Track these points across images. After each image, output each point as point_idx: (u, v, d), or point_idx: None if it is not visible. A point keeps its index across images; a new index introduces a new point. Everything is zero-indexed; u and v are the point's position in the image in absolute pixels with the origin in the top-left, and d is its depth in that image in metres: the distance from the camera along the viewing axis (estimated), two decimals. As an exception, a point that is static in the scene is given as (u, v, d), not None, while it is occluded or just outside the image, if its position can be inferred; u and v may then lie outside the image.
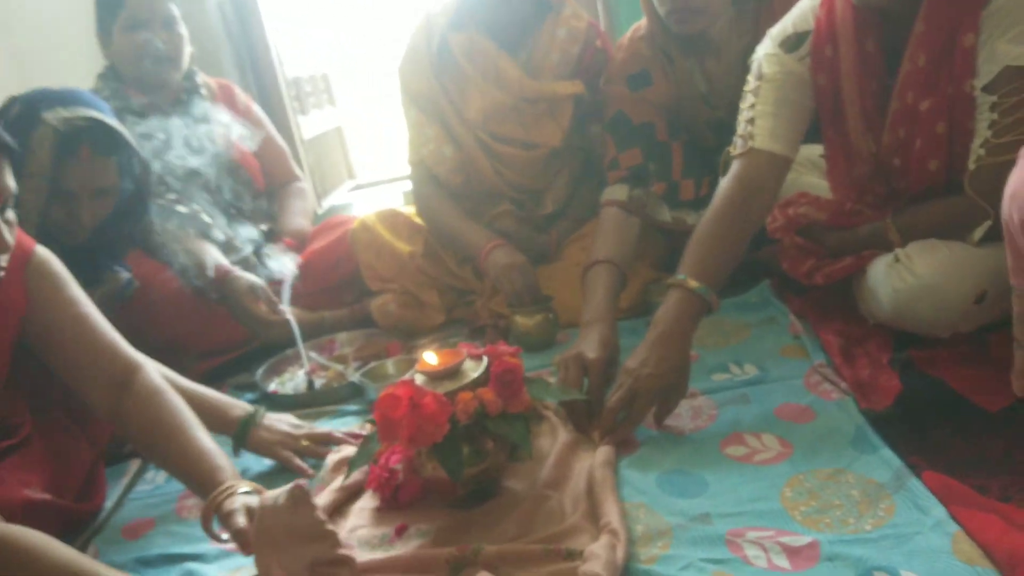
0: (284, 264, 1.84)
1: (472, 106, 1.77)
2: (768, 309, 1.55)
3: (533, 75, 1.76)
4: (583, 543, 0.94)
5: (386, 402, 1.07)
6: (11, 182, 1.06)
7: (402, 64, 1.86)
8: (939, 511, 0.89)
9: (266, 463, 1.33)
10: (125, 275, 1.59)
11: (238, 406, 1.32)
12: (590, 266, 1.49)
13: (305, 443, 1.31)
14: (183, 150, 1.84)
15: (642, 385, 1.16)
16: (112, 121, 1.43)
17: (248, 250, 1.87)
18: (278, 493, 0.92)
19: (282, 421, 1.34)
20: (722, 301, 1.59)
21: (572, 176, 1.89)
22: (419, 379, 1.10)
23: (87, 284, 1.45)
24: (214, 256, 1.77)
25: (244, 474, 1.24)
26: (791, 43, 1.31)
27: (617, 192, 1.63)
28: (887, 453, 1.02)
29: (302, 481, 0.95)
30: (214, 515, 1.00)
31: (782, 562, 0.87)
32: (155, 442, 1.10)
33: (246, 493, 1.00)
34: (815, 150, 1.54)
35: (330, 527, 0.92)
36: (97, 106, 1.44)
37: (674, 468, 1.10)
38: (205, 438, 1.09)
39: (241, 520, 0.95)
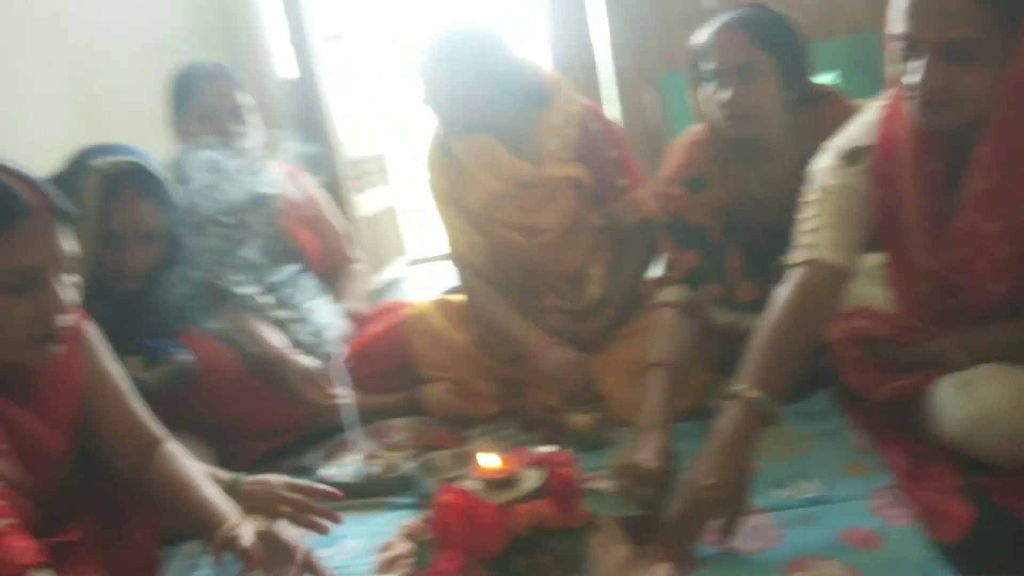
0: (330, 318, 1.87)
1: (471, 197, 1.84)
2: (830, 420, 1.51)
3: (535, 164, 1.81)
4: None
5: (442, 510, 1.07)
6: (72, 246, 1.11)
7: (427, 171, 1.95)
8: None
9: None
10: (187, 356, 1.63)
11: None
12: (646, 369, 1.49)
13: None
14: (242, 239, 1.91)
15: (701, 496, 1.13)
16: (154, 167, 1.53)
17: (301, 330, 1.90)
18: None
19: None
20: (783, 408, 1.59)
21: (608, 260, 1.90)
22: (474, 486, 1.10)
23: (148, 364, 1.51)
24: (270, 338, 1.80)
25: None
26: (851, 157, 1.32)
27: (673, 293, 1.63)
28: (959, 589, 0.98)
29: None
30: (223, 548, 1.10)
31: None
32: (172, 495, 1.22)
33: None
34: (873, 259, 1.53)
35: None
36: (140, 154, 1.54)
37: (734, 592, 1.07)
38: (216, 491, 1.22)
39: (247, 540, 1.09)
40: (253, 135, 2.00)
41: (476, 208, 1.85)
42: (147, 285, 1.59)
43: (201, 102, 1.92)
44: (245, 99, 1.99)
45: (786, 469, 1.37)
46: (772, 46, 1.51)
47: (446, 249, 1.99)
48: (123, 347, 1.55)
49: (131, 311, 1.61)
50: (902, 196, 1.26)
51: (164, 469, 1.24)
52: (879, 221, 1.31)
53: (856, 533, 1.14)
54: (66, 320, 1.11)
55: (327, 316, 1.94)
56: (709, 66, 1.55)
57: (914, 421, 1.34)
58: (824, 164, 1.35)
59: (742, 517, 1.15)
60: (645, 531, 1.20)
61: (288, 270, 1.93)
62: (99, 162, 1.47)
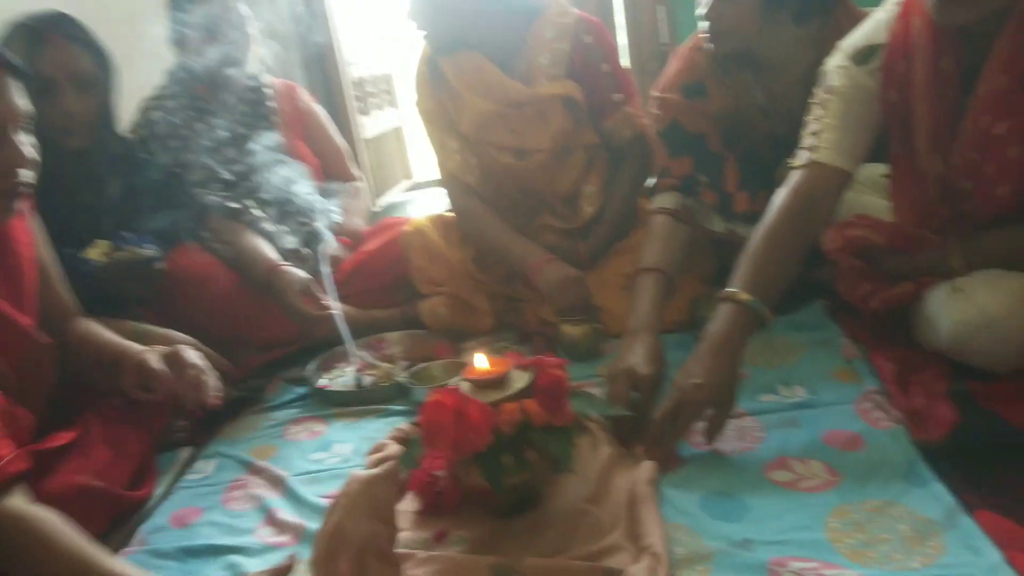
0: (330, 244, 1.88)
1: (463, 119, 1.80)
2: (822, 330, 1.51)
3: (526, 81, 1.76)
4: (622, 562, 0.94)
5: (432, 408, 1.08)
6: (22, 102, 1.13)
7: (415, 89, 1.91)
8: (993, 555, 0.85)
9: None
10: (153, 253, 1.63)
11: None
12: (637, 274, 1.48)
13: None
14: (237, 149, 1.89)
15: (689, 397, 1.14)
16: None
17: (297, 243, 1.91)
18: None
19: None
20: (775, 319, 1.58)
21: (602, 178, 1.87)
22: (465, 386, 1.11)
23: (113, 250, 1.53)
24: (263, 250, 1.81)
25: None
26: (862, 55, 1.28)
27: (667, 200, 1.61)
28: (939, 488, 0.99)
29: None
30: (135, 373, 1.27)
31: (823, 595, 0.85)
32: (89, 350, 1.35)
33: None
34: (877, 169, 1.50)
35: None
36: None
37: (717, 490, 1.08)
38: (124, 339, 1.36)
39: (154, 362, 1.29)
40: (250, 47, 1.95)
41: (468, 130, 1.81)
42: (95, 143, 1.62)
43: (198, 12, 1.86)
44: (243, 9, 1.93)
45: (775, 375, 1.38)
46: None
47: (437, 172, 1.96)
48: (98, 230, 1.60)
49: (103, 192, 1.66)
50: (913, 96, 1.23)
51: (80, 330, 1.38)
52: (888, 123, 1.28)
53: (839, 435, 1.15)
54: (28, 176, 1.12)
55: (323, 227, 1.94)
56: None
57: (905, 330, 1.34)
58: (834, 64, 1.31)
59: (728, 418, 1.16)
60: (632, 432, 1.22)
61: (285, 179, 1.91)
62: (20, 17, 1.52)
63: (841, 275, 1.38)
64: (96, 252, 1.56)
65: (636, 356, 1.29)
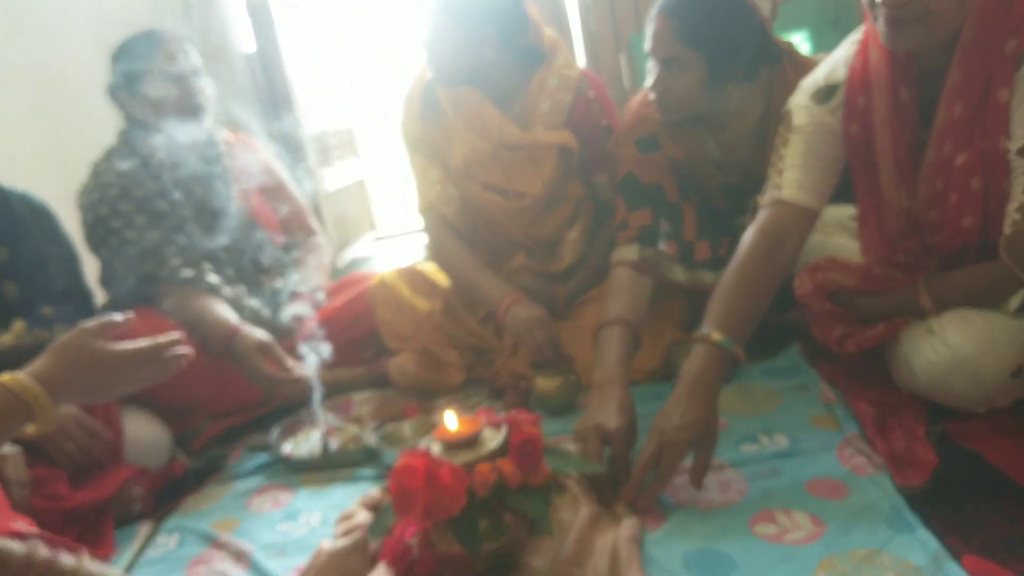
0: (300, 312, 1.83)
1: (455, 153, 1.78)
2: (798, 375, 1.50)
3: (524, 125, 1.76)
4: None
5: (402, 472, 1.04)
6: None
7: (401, 114, 1.88)
8: (984, 602, 0.83)
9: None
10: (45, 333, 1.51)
11: None
12: (601, 327, 1.46)
13: None
14: (192, 210, 1.84)
15: (670, 438, 1.13)
16: None
17: (257, 305, 1.86)
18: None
19: None
20: (751, 366, 1.58)
21: (586, 228, 1.87)
22: (436, 448, 1.07)
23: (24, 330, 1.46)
24: (222, 315, 1.73)
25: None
26: (823, 95, 1.30)
27: (628, 252, 1.60)
28: (924, 534, 0.97)
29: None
30: None
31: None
32: None
33: None
34: (846, 211, 1.51)
35: None
36: None
37: (701, 546, 1.05)
38: None
39: None
40: (206, 101, 1.89)
41: (457, 164, 1.79)
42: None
43: (152, 69, 1.79)
44: (194, 59, 1.87)
45: (754, 424, 1.36)
46: (701, 43, 1.45)
47: (416, 199, 1.91)
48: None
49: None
50: (875, 129, 1.24)
51: None
52: (851, 158, 1.30)
53: (823, 483, 1.13)
54: None
55: (286, 289, 1.90)
56: (646, 45, 1.52)
57: (881, 372, 1.34)
58: (796, 102, 1.32)
59: (710, 457, 1.15)
60: (610, 489, 1.18)
61: (243, 243, 1.87)
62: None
63: (814, 319, 1.37)
64: (7, 336, 1.47)
65: (605, 410, 1.26)
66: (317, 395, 1.59)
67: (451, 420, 1.09)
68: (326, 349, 1.65)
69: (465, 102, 1.76)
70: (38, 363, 1.02)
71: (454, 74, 1.74)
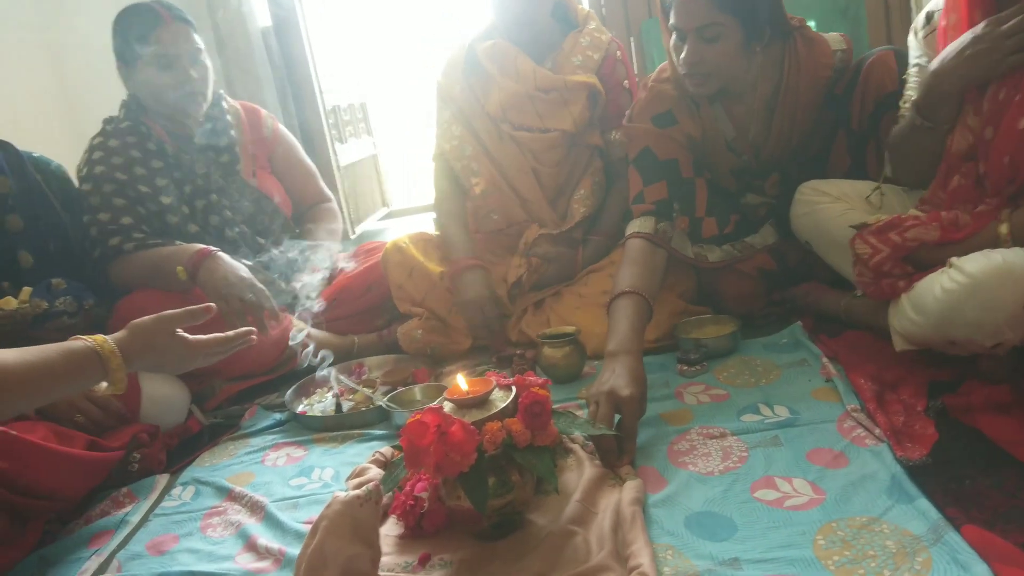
0: (313, 281, 1.85)
1: (492, 100, 1.90)
2: (799, 351, 1.53)
3: (555, 72, 1.88)
4: (609, 583, 0.92)
5: (414, 429, 1.07)
6: None
7: (442, 71, 2.01)
8: (981, 568, 0.85)
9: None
10: (67, 307, 1.57)
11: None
12: (616, 297, 1.48)
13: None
14: (192, 187, 1.86)
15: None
16: None
17: (269, 275, 1.88)
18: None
19: None
20: (753, 341, 1.60)
21: (595, 184, 1.95)
22: (447, 407, 1.09)
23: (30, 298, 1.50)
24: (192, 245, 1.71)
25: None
26: (923, 22, 1.36)
27: (643, 225, 1.63)
28: (924, 504, 0.99)
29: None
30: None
31: (813, 612, 0.85)
32: None
33: None
34: (865, 186, 1.53)
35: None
36: None
37: (702, 509, 1.08)
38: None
39: None
40: (208, 79, 1.87)
41: (494, 110, 1.90)
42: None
43: (158, 49, 1.77)
44: (199, 42, 1.84)
45: (756, 396, 1.38)
46: (732, 6, 1.47)
47: (431, 195, 2.04)
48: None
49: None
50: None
51: None
52: None
53: (823, 453, 1.15)
54: None
55: (295, 259, 1.92)
56: (673, 21, 1.53)
57: (882, 349, 1.36)
58: (908, 41, 1.40)
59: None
60: (615, 453, 1.21)
61: (251, 215, 1.89)
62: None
63: (877, 282, 1.32)
64: (10, 302, 1.50)
65: (618, 378, 1.29)
66: (329, 358, 1.62)
67: (462, 382, 1.12)
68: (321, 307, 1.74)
69: (500, 53, 1.89)
70: (119, 334, 1.16)
71: (514, 28, 1.88)
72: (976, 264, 1.13)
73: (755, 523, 1.03)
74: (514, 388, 1.12)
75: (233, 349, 1.27)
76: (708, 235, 1.70)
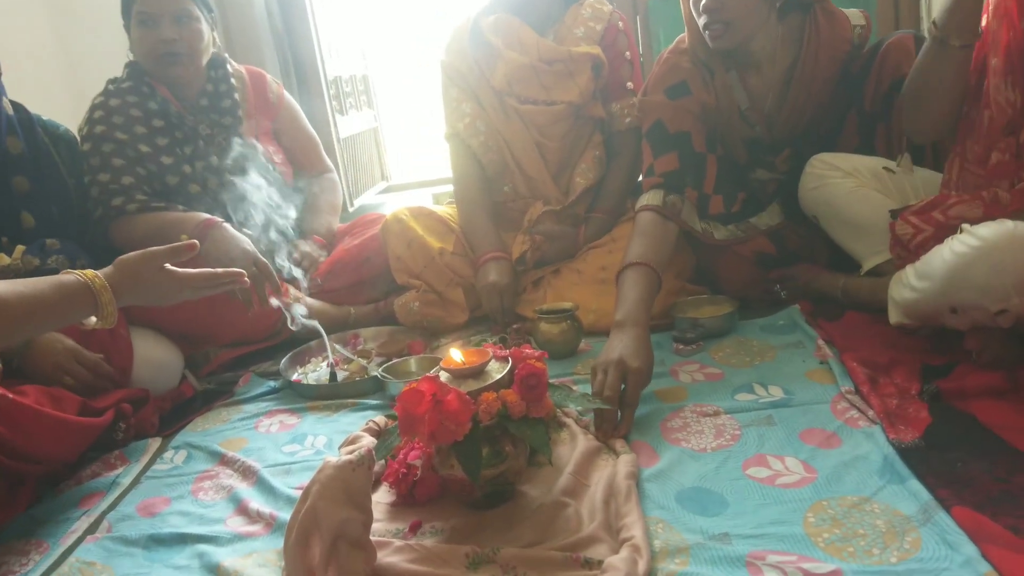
0: (311, 251, 1.84)
1: (498, 73, 1.89)
2: (795, 333, 1.53)
3: (559, 43, 1.88)
4: (601, 553, 0.93)
5: (409, 397, 1.07)
6: None
7: (445, 49, 1.99)
8: (969, 548, 0.86)
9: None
10: (56, 263, 1.55)
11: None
12: (625, 268, 1.47)
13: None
14: (193, 149, 1.84)
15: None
16: None
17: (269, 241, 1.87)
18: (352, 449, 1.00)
19: None
20: (750, 322, 1.60)
21: (596, 157, 1.94)
22: (443, 376, 1.09)
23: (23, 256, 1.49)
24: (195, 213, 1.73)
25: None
26: None
27: (653, 198, 1.62)
28: (915, 485, 0.99)
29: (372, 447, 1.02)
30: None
31: (801, 588, 0.85)
32: None
33: None
34: (878, 162, 1.52)
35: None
36: None
37: (694, 485, 1.08)
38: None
39: None
40: (196, 43, 1.83)
41: (500, 84, 1.89)
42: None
43: (140, 6, 1.77)
44: (187, 5, 1.80)
45: (750, 375, 1.38)
46: None
47: (431, 170, 2.02)
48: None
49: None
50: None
51: None
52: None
53: (816, 433, 1.16)
54: None
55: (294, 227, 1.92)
56: None
57: (879, 333, 1.36)
58: None
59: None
60: (612, 426, 1.21)
61: (254, 180, 1.88)
62: None
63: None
64: (2, 258, 1.49)
65: (627, 348, 1.28)
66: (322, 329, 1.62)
67: (457, 353, 1.12)
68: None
69: (504, 26, 1.88)
70: (107, 270, 1.17)
71: (516, 0, 1.88)
72: (989, 229, 1.13)
73: (746, 500, 1.03)
74: (510, 360, 1.12)
75: (221, 287, 1.30)
76: (715, 212, 1.69)
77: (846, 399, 1.23)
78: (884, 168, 1.49)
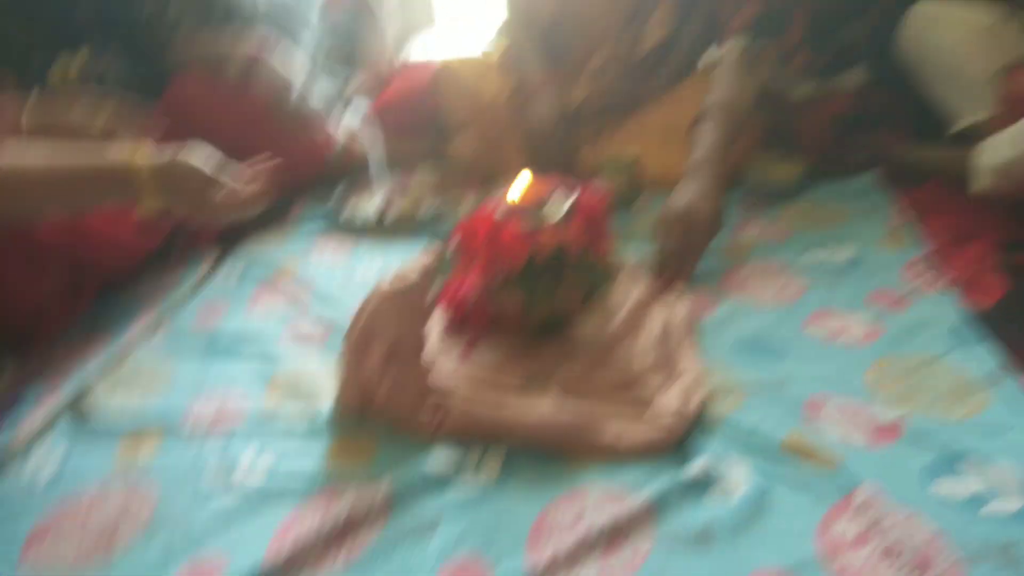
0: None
1: None
2: (869, 198, 1.45)
3: None
4: (653, 387, 0.92)
5: (468, 227, 1.05)
6: None
7: None
8: (1036, 413, 0.83)
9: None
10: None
11: None
12: (702, 115, 1.38)
13: None
14: None
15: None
16: None
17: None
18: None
19: None
20: (822, 187, 1.53)
21: (672, 6, 1.76)
22: (503, 208, 1.06)
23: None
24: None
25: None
26: None
27: (733, 49, 1.51)
28: (984, 349, 0.96)
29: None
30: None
31: (859, 435, 0.83)
32: None
33: None
34: (983, 17, 1.39)
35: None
36: None
37: (751, 335, 1.06)
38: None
39: None
40: None
41: None
42: None
43: None
44: None
45: (819, 237, 1.32)
46: None
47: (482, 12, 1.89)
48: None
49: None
50: None
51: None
52: None
53: (885, 294, 1.11)
54: None
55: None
56: None
57: (960, 202, 1.29)
58: None
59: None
60: (671, 271, 1.19)
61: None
62: None
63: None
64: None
65: (696, 194, 1.22)
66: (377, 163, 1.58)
67: (523, 181, 1.08)
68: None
69: None
70: (163, 163, 1.01)
71: None
72: None
73: (805, 353, 1.01)
74: (575, 193, 1.08)
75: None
76: (800, 66, 1.58)
77: (920, 263, 1.18)
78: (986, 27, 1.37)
